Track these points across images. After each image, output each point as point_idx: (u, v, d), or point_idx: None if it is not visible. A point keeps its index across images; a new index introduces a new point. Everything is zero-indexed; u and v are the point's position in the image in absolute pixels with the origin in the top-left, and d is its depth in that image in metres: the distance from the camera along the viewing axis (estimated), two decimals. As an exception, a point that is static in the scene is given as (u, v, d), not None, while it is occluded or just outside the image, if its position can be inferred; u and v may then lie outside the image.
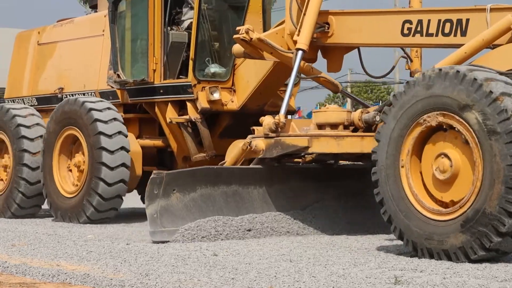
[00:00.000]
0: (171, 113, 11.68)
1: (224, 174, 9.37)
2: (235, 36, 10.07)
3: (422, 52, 10.53)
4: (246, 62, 11.33)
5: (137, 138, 12.23)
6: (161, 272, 6.60)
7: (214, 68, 11.50)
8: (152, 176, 8.84)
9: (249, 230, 9.07)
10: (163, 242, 8.65)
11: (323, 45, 10.13)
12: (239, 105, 11.50)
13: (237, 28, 10.10)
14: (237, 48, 10.39)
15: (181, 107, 11.74)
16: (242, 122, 11.86)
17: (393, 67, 10.46)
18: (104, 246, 8.57)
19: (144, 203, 13.96)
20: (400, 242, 7.98)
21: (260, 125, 12.04)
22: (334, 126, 9.49)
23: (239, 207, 9.31)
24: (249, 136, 9.49)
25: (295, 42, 9.87)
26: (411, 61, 10.36)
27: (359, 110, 9.59)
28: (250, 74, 11.31)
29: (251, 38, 9.91)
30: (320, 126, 9.56)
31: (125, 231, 10.66)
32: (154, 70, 11.80)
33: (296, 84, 12.07)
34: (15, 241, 9.25)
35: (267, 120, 9.65)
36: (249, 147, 9.39)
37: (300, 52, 9.74)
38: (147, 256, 7.67)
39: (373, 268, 6.80)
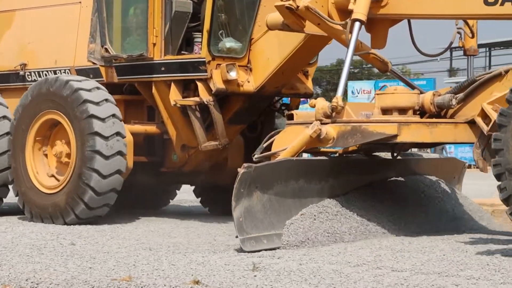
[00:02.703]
0: (175, 95, 10.00)
1: (310, 166, 8.04)
2: (277, 3, 8.51)
3: (477, 27, 9.28)
4: (268, 36, 9.79)
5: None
6: (15, 262, 6.46)
7: (229, 43, 9.86)
8: (242, 171, 7.25)
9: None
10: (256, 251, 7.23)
11: (371, 17, 8.70)
12: (257, 86, 9.93)
13: (280, -6, 8.56)
14: (272, 18, 8.86)
15: (185, 88, 10.10)
16: (254, 106, 10.37)
17: (451, 44, 9.15)
18: (-47, 236, 8.22)
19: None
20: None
21: (271, 109, 10.68)
22: (402, 111, 8.13)
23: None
24: (315, 122, 7.97)
25: (345, 12, 8.46)
26: (473, 36, 9.06)
27: (429, 93, 8.27)
28: (273, 50, 9.75)
29: (298, 6, 8.39)
30: (386, 111, 8.18)
31: (-23, 220, 10.01)
32: (154, 44, 10.10)
33: (313, 63, 10.64)
34: None
35: (321, 103, 8.19)
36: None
37: (357, 24, 8.33)
38: (0, 246, 7.44)
39: (232, 255, 6.90)
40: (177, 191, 12.66)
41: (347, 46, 8.46)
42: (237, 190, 7.29)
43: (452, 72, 79.31)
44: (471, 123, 8.03)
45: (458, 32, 9.20)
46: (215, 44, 9.78)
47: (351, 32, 8.31)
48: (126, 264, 6.40)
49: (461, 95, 8.10)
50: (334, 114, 8.10)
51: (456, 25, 9.19)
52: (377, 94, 8.25)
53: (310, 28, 8.79)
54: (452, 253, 6.99)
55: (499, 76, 7.82)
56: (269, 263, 6.35)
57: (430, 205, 9.33)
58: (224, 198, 11.37)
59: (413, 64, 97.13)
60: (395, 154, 8.90)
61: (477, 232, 8.65)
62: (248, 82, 9.90)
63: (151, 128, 10.63)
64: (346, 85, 8.21)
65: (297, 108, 10.86)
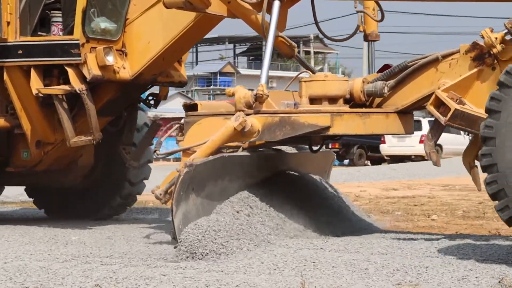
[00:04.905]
0: (36, 83, 8.55)
1: (240, 164, 7.16)
2: (185, -22, 7.40)
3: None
4: (147, 17, 8.61)
5: None
6: None
7: (104, 23, 8.54)
8: (185, 170, 6.20)
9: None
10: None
11: None
12: (133, 73, 8.71)
13: (187, -33, 7.45)
14: (172, -6, 7.72)
15: (46, 75, 8.67)
16: (127, 95, 9.17)
17: (358, 27, 8.45)
18: None
19: None
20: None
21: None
22: (333, 100, 7.34)
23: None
24: (239, 112, 6.97)
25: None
26: (382, 18, 8.42)
27: (358, 80, 7.53)
28: (154, 32, 8.56)
29: (207, -19, 7.36)
30: (314, 100, 7.35)
31: None
32: (8, 23, 8.57)
33: (186, 49, 9.56)
34: None
35: (242, 92, 7.22)
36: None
37: (277, 3, 7.44)
38: None
39: None
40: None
41: (260, 27, 7.59)
42: (178, 193, 6.23)
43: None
44: (401, 113, 7.46)
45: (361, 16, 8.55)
46: (88, 25, 8.45)
47: (268, 11, 7.41)
48: None
49: (391, 82, 7.46)
50: (255, 104, 7.16)
51: (355, 7, 8.54)
52: (304, 81, 7.39)
53: (214, 7, 7.78)
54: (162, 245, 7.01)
55: (435, 62, 7.26)
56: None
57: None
58: (64, 199, 10.09)
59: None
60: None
61: None
62: (124, 68, 8.67)
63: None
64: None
65: (165, 98, 9.76)
